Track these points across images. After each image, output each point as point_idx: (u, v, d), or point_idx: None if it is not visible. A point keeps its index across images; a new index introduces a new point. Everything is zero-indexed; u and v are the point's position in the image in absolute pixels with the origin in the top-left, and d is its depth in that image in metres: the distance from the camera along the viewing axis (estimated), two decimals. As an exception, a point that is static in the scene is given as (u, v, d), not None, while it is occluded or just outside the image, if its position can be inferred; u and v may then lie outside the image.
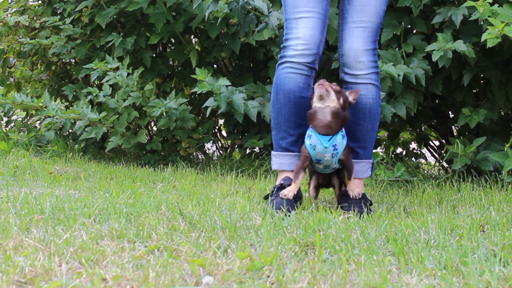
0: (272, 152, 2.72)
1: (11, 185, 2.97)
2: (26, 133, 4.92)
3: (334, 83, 2.51)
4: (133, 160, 4.40)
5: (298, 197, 2.56)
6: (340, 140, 2.50)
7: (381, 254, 1.67)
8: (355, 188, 2.57)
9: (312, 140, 2.51)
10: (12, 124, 5.35)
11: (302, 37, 2.58)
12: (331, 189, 2.77)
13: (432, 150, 4.14)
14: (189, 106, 4.13)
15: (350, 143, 2.63)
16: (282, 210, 2.36)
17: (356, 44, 2.61)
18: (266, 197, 2.63)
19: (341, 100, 2.49)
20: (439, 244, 1.76)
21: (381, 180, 3.24)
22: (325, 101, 2.47)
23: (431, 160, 4.23)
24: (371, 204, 2.64)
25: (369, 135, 2.70)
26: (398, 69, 3.19)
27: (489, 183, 3.07)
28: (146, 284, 1.38)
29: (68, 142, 4.79)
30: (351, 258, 1.63)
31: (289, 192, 2.51)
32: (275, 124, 2.69)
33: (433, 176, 3.51)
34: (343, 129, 2.53)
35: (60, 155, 4.45)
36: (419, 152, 4.16)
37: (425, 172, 3.64)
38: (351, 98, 2.56)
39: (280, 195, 2.51)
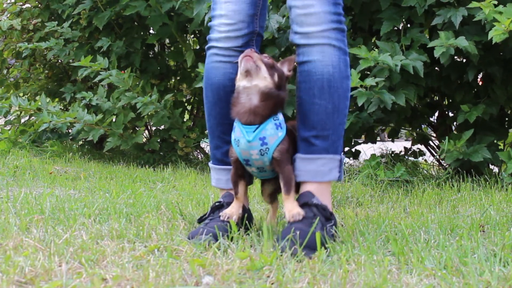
0: (209, 164, 2.15)
1: (11, 185, 2.97)
2: (15, 129, 4.96)
3: (265, 55, 1.88)
4: (132, 160, 4.41)
5: (242, 217, 1.94)
6: (272, 131, 1.83)
7: (381, 254, 1.67)
8: (293, 207, 1.82)
9: (236, 133, 1.87)
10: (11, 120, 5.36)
11: (225, 15, 1.97)
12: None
13: (431, 150, 4.14)
14: (172, 98, 4.21)
15: (304, 131, 1.92)
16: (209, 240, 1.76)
17: None
18: (200, 220, 2.01)
19: (276, 77, 1.84)
20: (439, 244, 1.76)
21: (381, 180, 3.24)
22: (253, 79, 1.82)
23: (431, 160, 4.22)
24: (333, 221, 1.88)
25: (330, 119, 1.90)
26: (395, 60, 3.19)
27: (489, 183, 3.07)
28: (146, 284, 1.37)
29: (66, 142, 4.80)
30: (351, 258, 1.63)
31: (232, 213, 1.90)
32: (208, 129, 2.10)
33: (433, 176, 3.51)
34: (279, 117, 1.87)
35: (60, 155, 4.45)
36: (417, 150, 4.16)
37: (425, 172, 3.64)
38: (285, 69, 1.91)
39: (221, 217, 1.90)
